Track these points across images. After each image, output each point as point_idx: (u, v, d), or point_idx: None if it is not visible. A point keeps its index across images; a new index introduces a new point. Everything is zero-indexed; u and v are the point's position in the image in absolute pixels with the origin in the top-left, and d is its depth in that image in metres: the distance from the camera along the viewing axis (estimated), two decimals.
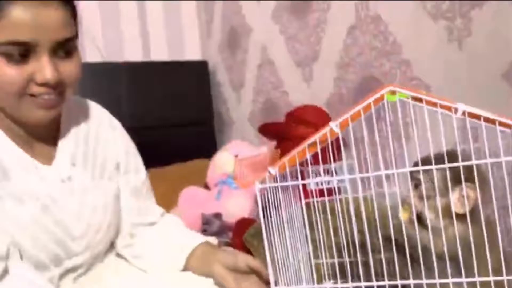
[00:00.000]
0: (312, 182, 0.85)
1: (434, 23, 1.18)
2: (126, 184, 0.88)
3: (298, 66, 1.67)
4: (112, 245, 0.90)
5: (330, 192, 0.81)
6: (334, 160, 0.81)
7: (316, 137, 0.65)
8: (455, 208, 0.64)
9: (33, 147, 0.78)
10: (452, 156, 0.64)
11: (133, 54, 2.02)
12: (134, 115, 1.79)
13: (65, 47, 0.70)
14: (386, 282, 0.64)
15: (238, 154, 1.68)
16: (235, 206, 1.47)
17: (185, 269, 0.86)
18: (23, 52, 0.66)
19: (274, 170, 0.66)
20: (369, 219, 0.72)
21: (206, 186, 1.76)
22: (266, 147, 1.67)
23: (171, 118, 1.96)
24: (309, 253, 0.85)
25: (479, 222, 0.60)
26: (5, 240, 0.69)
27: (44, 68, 0.67)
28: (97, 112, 0.88)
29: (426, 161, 0.64)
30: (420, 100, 0.63)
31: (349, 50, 1.44)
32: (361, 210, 0.76)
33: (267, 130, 1.38)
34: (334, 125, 0.64)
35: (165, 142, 1.89)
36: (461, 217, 0.63)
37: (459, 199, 0.64)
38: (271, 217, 0.69)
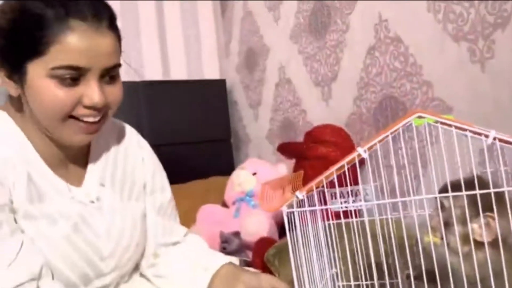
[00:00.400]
0: (332, 203, 0.85)
1: (456, 44, 1.18)
2: (152, 204, 0.90)
3: (317, 85, 1.68)
4: (137, 266, 0.90)
5: (347, 213, 0.81)
6: (357, 183, 0.81)
7: (344, 161, 0.65)
8: (480, 235, 0.63)
9: (66, 168, 0.80)
10: (481, 182, 0.64)
11: (153, 73, 2.06)
12: (153, 133, 1.81)
13: (111, 72, 0.73)
14: None
15: (257, 172, 1.68)
16: (254, 225, 1.47)
17: None
18: (74, 76, 0.69)
19: (301, 195, 0.67)
20: (397, 242, 0.72)
21: (224, 204, 1.77)
22: (283, 165, 1.67)
23: (189, 135, 1.99)
24: (333, 274, 0.84)
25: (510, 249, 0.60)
26: (39, 260, 0.71)
27: (93, 92, 0.70)
28: (126, 131, 0.90)
29: (455, 186, 0.64)
30: (449, 124, 0.63)
31: (369, 71, 1.45)
32: (387, 232, 0.76)
33: (286, 149, 1.38)
34: (362, 150, 0.65)
35: (183, 160, 1.91)
36: (490, 243, 0.63)
37: (482, 227, 0.63)
38: (297, 239, 0.70)
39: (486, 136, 0.60)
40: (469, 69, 1.15)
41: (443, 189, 0.66)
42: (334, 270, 0.85)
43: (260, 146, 2.02)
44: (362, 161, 1.13)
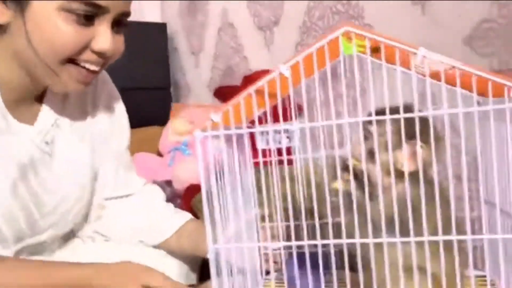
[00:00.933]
0: (260, 140, 0.80)
1: None
2: (107, 151, 0.82)
3: (260, 30, 1.60)
4: (72, 231, 0.84)
5: (281, 155, 0.76)
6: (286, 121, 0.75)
7: (264, 80, 0.59)
8: (406, 165, 0.59)
9: (22, 105, 0.71)
10: (408, 109, 0.60)
11: None
12: None
13: (123, 20, 0.68)
14: (331, 241, 0.60)
15: (194, 121, 1.60)
16: (187, 172, 1.40)
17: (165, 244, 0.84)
18: (90, 14, 0.62)
19: (217, 117, 0.60)
20: (318, 184, 0.68)
21: (160, 154, 1.70)
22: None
23: (124, 81, 1.85)
24: (256, 215, 0.80)
25: (430, 183, 0.57)
26: None
27: (106, 37, 0.64)
28: None
29: (380, 112, 0.60)
30: (378, 51, 0.58)
31: (312, 14, 1.39)
32: (309, 174, 0.71)
33: (222, 92, 1.31)
34: (284, 68, 0.58)
35: None
36: (411, 175, 0.59)
37: (411, 155, 0.60)
38: (218, 179, 0.63)
39: (415, 55, 0.55)
40: (410, 11, 1.11)
41: (369, 115, 0.62)
42: (256, 211, 0.80)
43: (201, 95, 1.94)
44: (299, 108, 1.07)
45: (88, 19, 0.62)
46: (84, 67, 0.66)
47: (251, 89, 0.60)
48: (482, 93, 0.56)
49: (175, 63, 2.06)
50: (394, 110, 0.59)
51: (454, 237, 0.56)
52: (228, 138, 0.62)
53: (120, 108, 0.85)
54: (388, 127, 0.58)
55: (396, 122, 0.58)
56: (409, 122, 0.57)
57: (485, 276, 0.68)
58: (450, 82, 0.63)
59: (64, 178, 0.74)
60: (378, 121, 0.58)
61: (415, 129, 0.56)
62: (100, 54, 0.65)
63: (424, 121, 0.57)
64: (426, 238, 0.56)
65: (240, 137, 0.67)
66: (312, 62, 0.59)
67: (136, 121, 1.78)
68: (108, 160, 0.82)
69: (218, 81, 1.84)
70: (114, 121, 0.83)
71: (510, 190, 0.58)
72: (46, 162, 0.72)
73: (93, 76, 0.68)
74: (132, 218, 0.85)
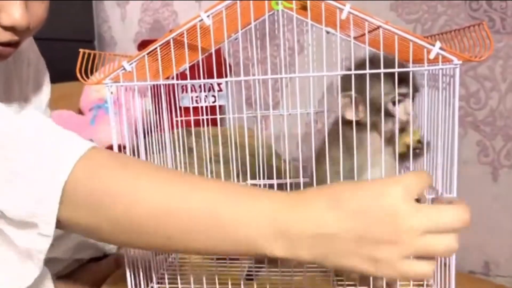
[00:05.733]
0: (182, 98, 0.76)
1: None
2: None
3: None
4: None
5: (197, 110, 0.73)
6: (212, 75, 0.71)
7: (184, 28, 0.54)
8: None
9: None
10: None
11: None
12: None
13: None
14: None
15: None
16: (109, 132, 1.33)
17: None
18: None
19: (129, 65, 0.55)
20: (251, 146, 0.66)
21: (80, 112, 1.60)
22: None
23: (46, 31, 1.68)
24: None
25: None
26: None
27: (15, 7, 0.53)
28: None
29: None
30: (305, 9, 0.56)
31: None
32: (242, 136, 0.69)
33: (147, 45, 1.23)
34: (205, 16, 0.54)
35: None
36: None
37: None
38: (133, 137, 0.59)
39: (341, 10, 0.53)
40: None
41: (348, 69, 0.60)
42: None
43: (126, 50, 1.82)
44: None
45: None
46: None
47: (170, 36, 0.55)
48: (404, 58, 0.56)
49: (100, 14, 1.91)
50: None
51: None
52: (143, 92, 0.58)
53: (42, 62, 0.77)
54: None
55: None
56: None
57: None
58: (374, 45, 0.63)
59: None
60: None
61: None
62: (11, 29, 0.55)
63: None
64: None
65: (159, 91, 0.63)
66: (236, 14, 0.56)
67: (57, 75, 1.66)
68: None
69: (145, 35, 1.73)
70: (37, 77, 0.76)
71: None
72: None
73: (11, 50, 0.59)
74: None
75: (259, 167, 0.70)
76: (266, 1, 0.58)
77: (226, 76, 0.91)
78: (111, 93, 0.54)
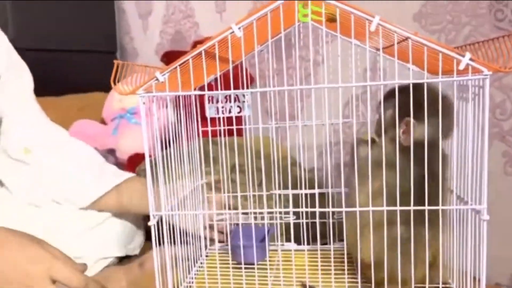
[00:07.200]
0: (209, 108, 0.77)
1: None
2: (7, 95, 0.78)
3: None
4: None
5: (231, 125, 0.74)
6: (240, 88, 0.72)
7: (215, 40, 0.56)
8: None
9: None
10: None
11: None
12: (20, 32, 1.53)
13: None
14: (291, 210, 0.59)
15: None
16: (131, 141, 1.34)
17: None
18: None
19: (162, 76, 0.56)
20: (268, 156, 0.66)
21: (103, 122, 1.62)
22: None
23: (69, 42, 1.73)
24: (202, 185, 0.78)
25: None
26: None
27: None
28: None
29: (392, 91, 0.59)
30: (333, 21, 0.56)
31: None
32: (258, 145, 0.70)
33: (170, 58, 1.25)
34: (236, 28, 0.55)
35: (58, 70, 1.67)
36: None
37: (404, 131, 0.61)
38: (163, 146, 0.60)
39: (370, 22, 0.54)
40: None
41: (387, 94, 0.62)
42: (204, 180, 0.78)
43: (148, 61, 1.85)
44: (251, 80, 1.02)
45: None
46: None
47: (201, 48, 0.56)
48: (432, 70, 0.56)
49: (123, 26, 1.95)
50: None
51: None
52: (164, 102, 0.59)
53: (15, 53, 0.81)
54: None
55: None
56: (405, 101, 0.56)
57: None
58: (402, 57, 0.63)
59: None
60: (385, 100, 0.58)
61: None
62: None
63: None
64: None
65: (188, 101, 0.64)
66: (266, 26, 0.57)
67: (80, 86, 1.70)
68: (11, 102, 0.79)
69: (167, 46, 1.76)
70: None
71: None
72: None
73: None
74: (61, 169, 0.83)
75: (300, 178, 0.71)
76: (296, 14, 0.58)
77: (247, 87, 0.92)
78: (143, 103, 0.56)
